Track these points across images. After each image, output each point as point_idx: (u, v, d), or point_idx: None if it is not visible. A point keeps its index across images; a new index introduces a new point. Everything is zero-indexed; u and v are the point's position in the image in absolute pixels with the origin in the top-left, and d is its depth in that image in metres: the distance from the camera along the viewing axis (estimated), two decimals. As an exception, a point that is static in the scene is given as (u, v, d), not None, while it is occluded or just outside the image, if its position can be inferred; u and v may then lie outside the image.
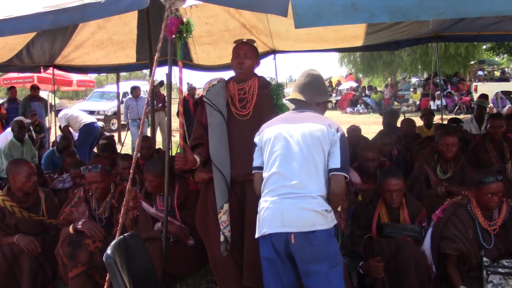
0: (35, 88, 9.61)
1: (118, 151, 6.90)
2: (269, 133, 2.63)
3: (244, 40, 3.16)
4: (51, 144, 8.50)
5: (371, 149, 4.15)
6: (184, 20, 2.86)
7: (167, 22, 2.81)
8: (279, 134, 2.59)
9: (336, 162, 2.51)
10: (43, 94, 10.78)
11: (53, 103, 9.57)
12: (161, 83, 10.42)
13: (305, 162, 2.49)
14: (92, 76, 15.86)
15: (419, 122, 7.08)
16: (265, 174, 2.58)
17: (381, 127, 6.72)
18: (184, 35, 2.89)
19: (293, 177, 2.47)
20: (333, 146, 2.53)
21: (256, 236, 2.54)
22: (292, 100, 2.78)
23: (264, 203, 2.52)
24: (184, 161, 2.99)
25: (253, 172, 2.73)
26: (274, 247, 2.45)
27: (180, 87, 3.15)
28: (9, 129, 6.66)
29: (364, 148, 4.19)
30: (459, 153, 4.09)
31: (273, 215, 2.45)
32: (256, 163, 2.72)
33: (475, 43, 17.80)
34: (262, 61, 3.39)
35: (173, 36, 2.84)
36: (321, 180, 2.49)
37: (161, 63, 4.35)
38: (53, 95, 9.88)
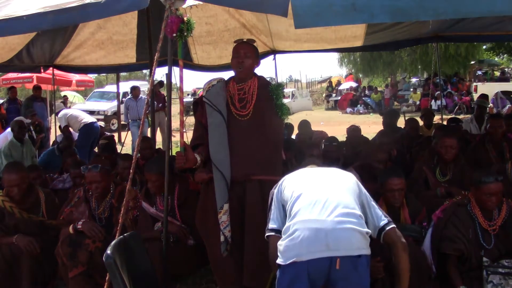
0: (37, 88, 9.60)
1: (118, 151, 6.89)
2: (291, 176, 2.46)
3: (244, 40, 3.16)
4: (51, 144, 8.50)
5: (382, 151, 4.15)
6: (185, 19, 2.86)
7: (168, 21, 2.81)
8: (304, 172, 2.44)
9: (381, 217, 2.35)
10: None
11: (58, 103, 9.58)
12: (161, 83, 10.38)
13: (340, 184, 2.29)
14: (92, 76, 15.86)
15: (419, 122, 7.07)
16: (290, 201, 2.26)
17: (381, 127, 6.73)
18: (185, 34, 2.89)
19: (330, 193, 2.20)
20: (367, 200, 2.38)
21: (284, 262, 2.11)
22: None
23: (299, 224, 2.12)
24: (185, 159, 2.99)
25: (267, 235, 2.36)
26: (310, 276, 2.06)
27: (180, 86, 3.15)
28: (9, 129, 6.66)
29: (376, 150, 4.18)
30: (459, 155, 4.02)
31: (314, 237, 2.06)
32: (272, 224, 2.34)
33: (475, 43, 17.79)
34: (262, 61, 3.40)
35: (174, 35, 2.84)
36: (358, 205, 2.26)
37: (161, 63, 4.35)
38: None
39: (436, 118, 8.05)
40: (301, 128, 6.41)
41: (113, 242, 2.61)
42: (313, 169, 2.54)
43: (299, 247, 2.07)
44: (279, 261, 2.14)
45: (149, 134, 6.62)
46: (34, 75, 11.68)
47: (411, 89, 22.83)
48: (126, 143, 11.02)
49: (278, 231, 2.29)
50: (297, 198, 2.25)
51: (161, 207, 3.54)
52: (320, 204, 2.17)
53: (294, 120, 7.51)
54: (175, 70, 4.50)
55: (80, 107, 14.64)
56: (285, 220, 2.30)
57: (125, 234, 2.81)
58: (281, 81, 13.89)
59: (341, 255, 2.05)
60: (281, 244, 2.15)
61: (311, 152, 4.22)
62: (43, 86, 11.88)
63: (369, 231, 2.22)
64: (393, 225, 2.35)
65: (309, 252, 2.05)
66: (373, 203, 2.40)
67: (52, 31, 5.67)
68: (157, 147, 6.05)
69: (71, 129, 7.76)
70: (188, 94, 24.30)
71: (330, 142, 4.93)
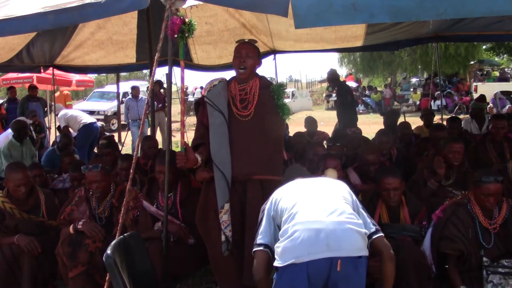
0: (33, 88, 9.59)
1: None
2: (283, 189, 2.42)
3: (246, 40, 3.16)
4: (50, 144, 8.50)
5: (372, 152, 4.10)
6: (187, 20, 2.87)
7: (169, 22, 2.81)
8: (296, 185, 2.40)
9: (369, 225, 2.31)
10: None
11: (53, 103, 9.58)
12: (160, 84, 10.18)
13: (334, 192, 2.30)
14: (92, 76, 15.86)
15: (419, 122, 7.08)
16: (286, 212, 2.22)
17: (381, 127, 6.72)
18: (186, 34, 2.89)
19: (327, 200, 2.20)
20: (358, 208, 2.35)
21: (282, 264, 2.08)
22: None
23: (299, 225, 2.09)
24: (185, 159, 2.99)
25: (254, 250, 2.30)
26: (309, 278, 2.03)
27: (182, 86, 3.15)
28: (9, 129, 6.65)
29: (365, 152, 4.12)
30: (463, 159, 3.99)
31: (315, 237, 2.03)
32: (261, 239, 2.28)
33: (475, 43, 17.80)
34: (262, 61, 3.40)
35: (175, 35, 2.85)
36: (353, 210, 2.26)
37: (161, 63, 4.35)
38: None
39: (436, 118, 8.05)
40: (307, 124, 6.41)
41: (113, 242, 2.61)
42: (304, 181, 2.48)
43: (299, 248, 2.04)
44: (276, 263, 2.10)
45: (149, 134, 6.61)
46: (34, 75, 11.67)
47: (411, 89, 22.83)
48: (126, 143, 11.02)
49: (266, 246, 2.26)
50: (294, 206, 2.22)
51: (163, 204, 3.54)
52: (318, 207, 2.17)
53: (294, 120, 7.51)
54: (175, 70, 4.51)
55: (81, 107, 14.65)
56: (275, 237, 2.26)
57: (125, 234, 2.81)
58: (281, 81, 13.91)
59: (342, 255, 2.02)
60: (279, 246, 2.12)
61: (315, 151, 4.19)
62: (43, 86, 11.88)
63: (367, 231, 2.22)
64: (381, 234, 2.33)
65: (309, 253, 2.02)
66: (363, 210, 2.40)
67: (52, 31, 5.68)
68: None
69: (70, 130, 7.76)
70: (188, 94, 24.25)
71: (333, 142, 4.97)
